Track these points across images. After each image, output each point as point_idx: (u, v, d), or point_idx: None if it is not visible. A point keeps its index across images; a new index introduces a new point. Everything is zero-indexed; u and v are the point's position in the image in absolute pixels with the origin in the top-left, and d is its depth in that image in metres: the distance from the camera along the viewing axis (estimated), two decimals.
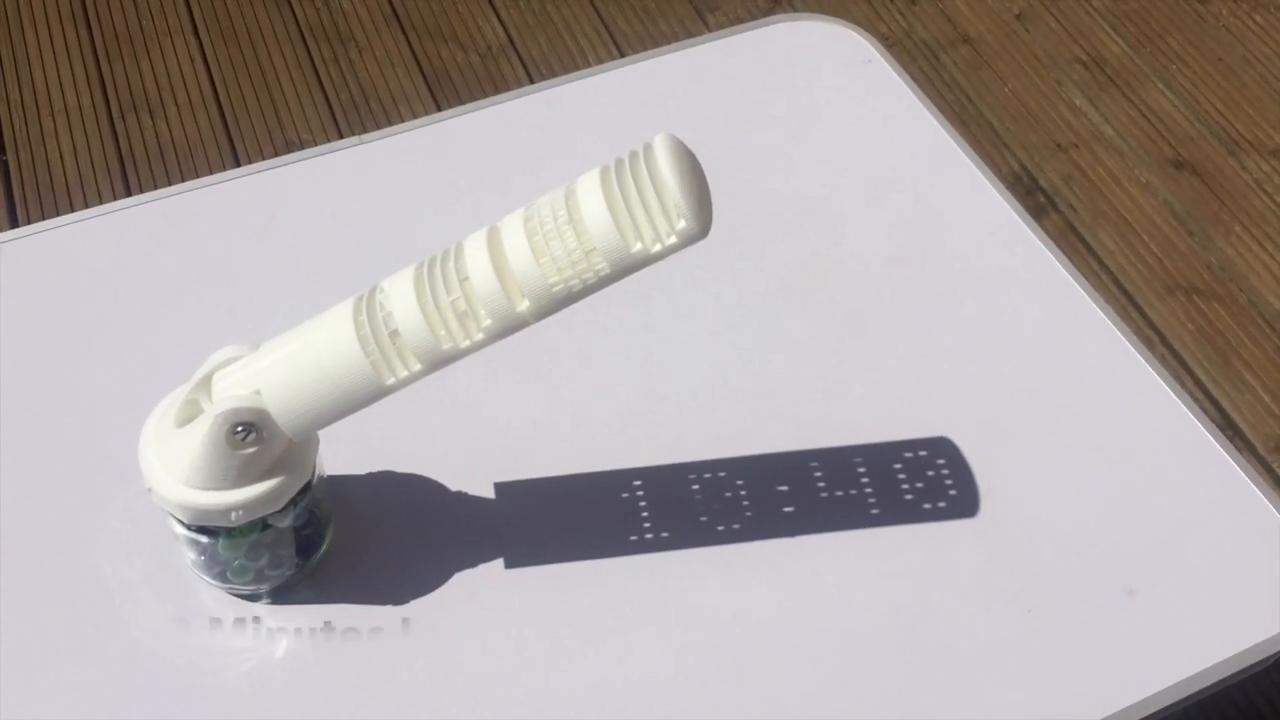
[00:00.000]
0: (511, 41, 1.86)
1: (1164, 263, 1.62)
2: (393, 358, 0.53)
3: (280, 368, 0.54)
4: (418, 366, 0.53)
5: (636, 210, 0.49)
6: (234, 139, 1.72)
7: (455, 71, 1.82)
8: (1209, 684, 0.62)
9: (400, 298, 0.52)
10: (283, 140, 1.72)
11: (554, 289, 0.50)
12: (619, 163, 0.50)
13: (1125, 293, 1.59)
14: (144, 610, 0.62)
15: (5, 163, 1.68)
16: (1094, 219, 1.67)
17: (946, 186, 0.83)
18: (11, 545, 0.64)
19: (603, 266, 0.50)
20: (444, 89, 1.79)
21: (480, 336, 0.52)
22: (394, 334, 0.52)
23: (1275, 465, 1.44)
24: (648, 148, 0.50)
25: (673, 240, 0.49)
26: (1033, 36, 1.90)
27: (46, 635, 0.61)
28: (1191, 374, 1.51)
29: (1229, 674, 0.62)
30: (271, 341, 0.55)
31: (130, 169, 1.68)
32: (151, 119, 1.74)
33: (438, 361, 0.53)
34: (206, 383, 0.55)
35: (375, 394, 0.53)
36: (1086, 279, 0.78)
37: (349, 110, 1.76)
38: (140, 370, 0.70)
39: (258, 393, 0.54)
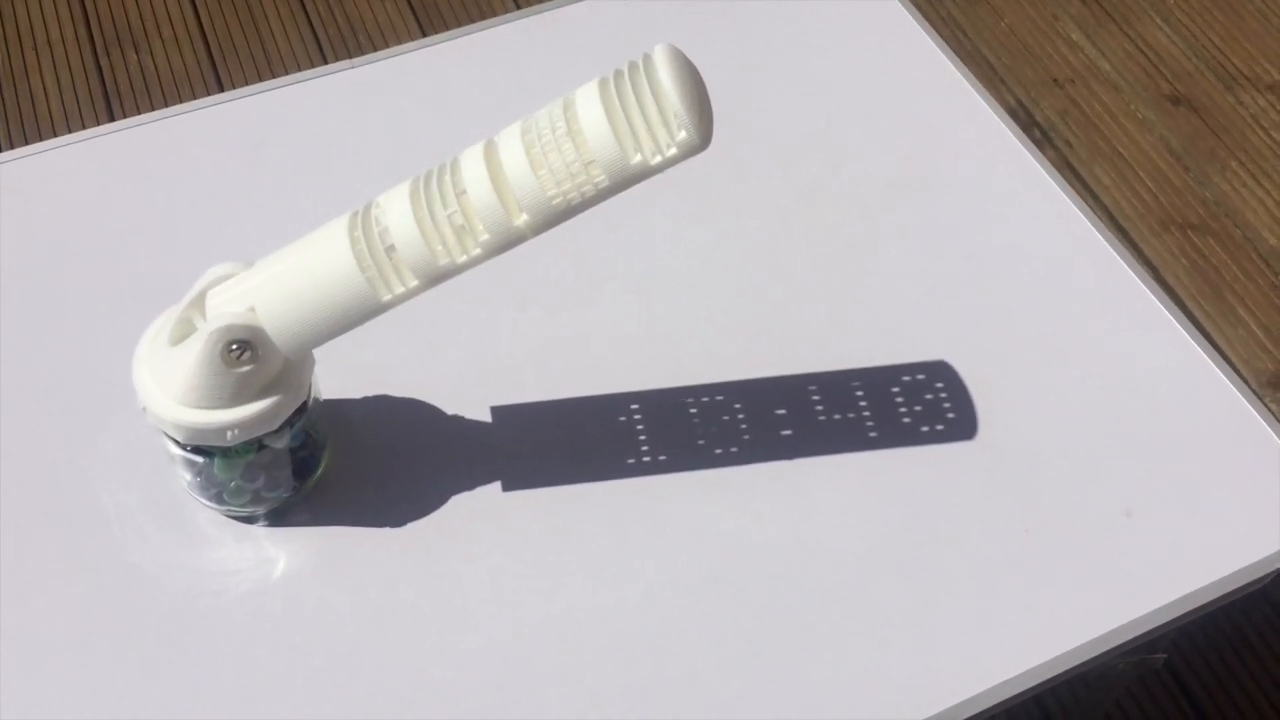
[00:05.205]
0: None
1: (1159, 198, 1.61)
2: (389, 273, 0.52)
3: (275, 284, 0.53)
4: (414, 282, 0.52)
5: (636, 121, 0.48)
6: (220, 74, 1.70)
7: (445, 5, 1.79)
8: (1204, 602, 0.62)
9: (396, 212, 0.51)
10: (270, 75, 1.69)
11: (553, 202, 0.50)
12: (618, 73, 0.49)
13: (1120, 228, 1.58)
14: (141, 534, 0.62)
15: None
16: (1090, 154, 1.66)
17: (945, 111, 0.82)
18: (7, 472, 0.63)
19: (602, 179, 0.49)
20: (433, 23, 1.77)
21: (478, 251, 0.51)
22: (390, 249, 0.51)
23: (1268, 400, 1.44)
24: (647, 58, 0.49)
25: (673, 151, 0.48)
26: None
27: (43, 561, 0.61)
28: (1185, 309, 1.51)
29: (1223, 593, 0.62)
30: (266, 258, 0.54)
31: (115, 104, 1.65)
32: (136, 53, 1.71)
33: (434, 277, 0.52)
34: (200, 300, 0.55)
35: (371, 310, 0.53)
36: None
37: (337, 44, 1.73)
38: (134, 294, 0.70)
39: (252, 309, 0.53)
